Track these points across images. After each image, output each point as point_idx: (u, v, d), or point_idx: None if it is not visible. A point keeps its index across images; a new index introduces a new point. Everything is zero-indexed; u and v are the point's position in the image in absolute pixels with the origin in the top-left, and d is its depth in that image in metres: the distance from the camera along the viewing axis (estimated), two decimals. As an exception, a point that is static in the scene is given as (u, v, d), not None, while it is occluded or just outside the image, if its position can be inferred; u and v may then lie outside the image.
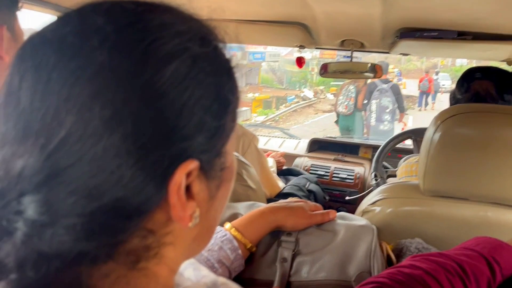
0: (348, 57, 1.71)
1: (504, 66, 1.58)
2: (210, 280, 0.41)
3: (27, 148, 0.28)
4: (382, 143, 1.97)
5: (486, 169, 0.83)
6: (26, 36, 0.81)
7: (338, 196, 2.12)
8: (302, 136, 2.87)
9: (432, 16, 1.22)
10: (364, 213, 0.96)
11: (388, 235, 0.89)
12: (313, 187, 1.61)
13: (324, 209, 0.83)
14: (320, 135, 3.00)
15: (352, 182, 2.18)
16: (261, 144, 2.46)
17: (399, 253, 0.85)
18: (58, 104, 0.28)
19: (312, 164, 2.30)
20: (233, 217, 0.81)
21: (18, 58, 0.31)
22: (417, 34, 1.41)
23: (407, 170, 1.40)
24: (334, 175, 2.22)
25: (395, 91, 5.10)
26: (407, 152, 2.07)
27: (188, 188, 0.33)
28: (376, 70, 1.77)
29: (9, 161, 0.29)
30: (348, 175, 2.21)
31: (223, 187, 0.38)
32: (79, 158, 0.28)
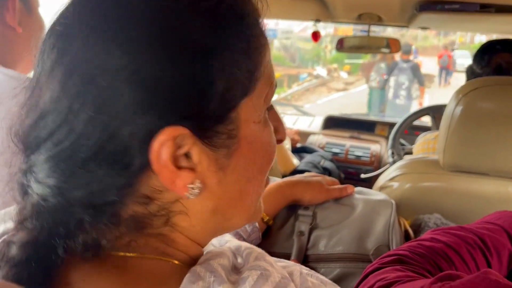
0: (365, 31, 1.67)
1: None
2: (233, 245, 0.41)
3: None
4: (398, 120, 1.94)
5: (508, 144, 0.81)
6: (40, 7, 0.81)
7: (353, 174, 2.11)
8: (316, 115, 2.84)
9: (454, -13, 1.18)
10: (381, 188, 0.95)
11: (406, 211, 0.89)
12: (328, 164, 1.61)
13: None
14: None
15: (368, 160, 2.16)
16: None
17: (418, 228, 0.85)
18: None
19: (327, 142, 2.28)
20: None
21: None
22: (438, 6, 1.36)
23: (424, 147, 1.38)
24: (350, 152, 2.20)
25: (415, 69, 5.57)
26: (425, 129, 2.04)
27: (187, 157, 0.32)
28: (391, 45, 1.73)
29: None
30: (363, 152, 2.19)
31: (239, 157, 0.35)
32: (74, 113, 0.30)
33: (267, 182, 0.43)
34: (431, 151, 1.34)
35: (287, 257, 0.72)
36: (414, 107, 5.88)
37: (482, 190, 0.85)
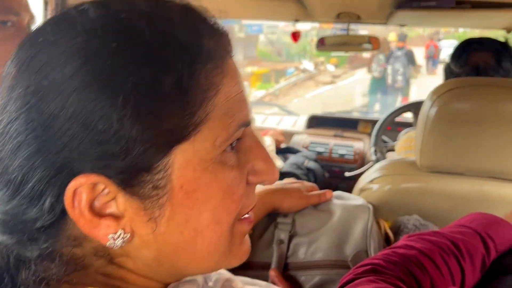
0: (344, 30, 1.67)
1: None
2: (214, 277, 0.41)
3: None
4: (381, 117, 1.95)
5: (482, 143, 0.82)
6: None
7: (338, 173, 2.13)
8: (304, 111, 2.84)
9: (429, -16, 1.18)
10: (362, 191, 0.96)
11: (386, 213, 0.89)
12: (312, 164, 1.61)
13: (324, 185, 0.83)
14: (322, 109, 2.98)
15: (351, 158, 2.18)
16: (259, 123, 2.44)
17: (397, 230, 0.85)
18: None
19: (311, 141, 2.29)
20: None
21: None
22: (415, 3, 1.37)
23: (407, 144, 1.39)
24: (334, 151, 2.22)
25: (409, 55, 6.77)
26: (407, 125, 2.05)
27: (109, 206, 0.32)
28: (372, 42, 1.74)
29: None
30: (347, 151, 2.21)
31: (173, 208, 0.33)
32: None
33: (250, 220, 0.40)
34: (413, 149, 1.35)
35: (267, 266, 0.73)
36: (412, 88, 7.23)
37: (458, 189, 0.87)
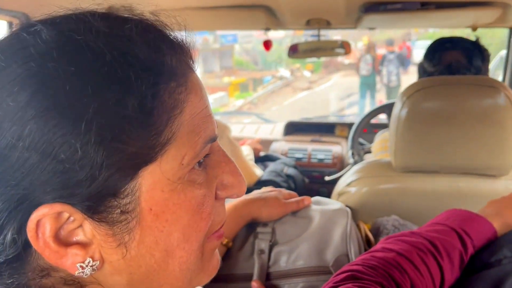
0: (315, 36, 1.69)
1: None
2: None
3: None
4: (356, 120, 1.98)
5: (454, 140, 0.83)
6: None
7: (318, 178, 2.13)
8: (283, 118, 2.85)
9: (394, -13, 1.21)
10: (340, 194, 0.96)
11: (365, 215, 0.90)
12: (291, 171, 1.61)
13: (305, 191, 0.83)
14: (301, 114, 3.00)
15: (330, 162, 2.19)
16: (236, 132, 2.44)
17: (377, 232, 0.86)
18: None
19: (289, 148, 2.30)
20: None
21: None
22: (382, 7, 1.40)
23: (382, 145, 1.40)
24: (312, 156, 2.23)
25: (401, 57, 7.95)
26: (383, 126, 2.08)
27: (75, 234, 0.31)
28: (344, 46, 1.76)
29: None
30: (325, 155, 2.22)
31: (143, 231, 0.32)
32: None
33: (219, 234, 0.40)
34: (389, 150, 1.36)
35: (249, 277, 0.72)
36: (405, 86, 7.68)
37: (434, 187, 0.88)
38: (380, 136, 1.47)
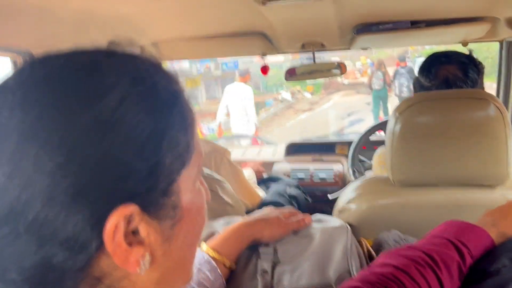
0: (310, 58, 1.73)
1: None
2: None
3: None
4: (355, 138, 2.00)
5: (448, 153, 0.85)
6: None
7: (321, 196, 2.14)
8: (285, 139, 2.87)
9: (385, 9, 1.25)
10: (340, 212, 0.97)
11: (367, 231, 0.90)
12: (293, 191, 1.62)
13: (309, 210, 0.84)
14: (304, 135, 3.02)
15: (332, 181, 2.20)
16: (239, 155, 2.46)
17: (379, 247, 0.86)
18: None
19: (291, 168, 2.31)
20: (210, 235, 0.81)
21: None
22: (373, 28, 1.44)
23: (381, 160, 1.41)
24: (314, 176, 2.24)
25: (410, 71, 8.33)
26: (382, 143, 2.09)
27: (135, 232, 0.33)
28: (341, 67, 1.80)
29: None
30: (327, 174, 2.24)
31: (181, 226, 0.37)
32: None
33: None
34: (387, 165, 1.37)
35: (253, 298, 0.72)
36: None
37: (432, 200, 0.89)
38: (379, 152, 1.49)
